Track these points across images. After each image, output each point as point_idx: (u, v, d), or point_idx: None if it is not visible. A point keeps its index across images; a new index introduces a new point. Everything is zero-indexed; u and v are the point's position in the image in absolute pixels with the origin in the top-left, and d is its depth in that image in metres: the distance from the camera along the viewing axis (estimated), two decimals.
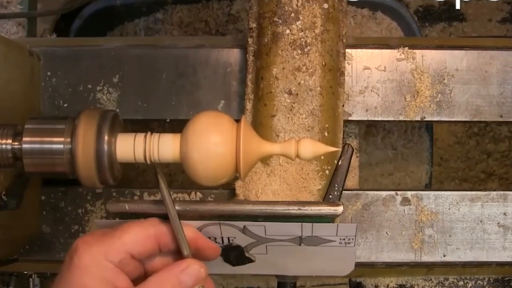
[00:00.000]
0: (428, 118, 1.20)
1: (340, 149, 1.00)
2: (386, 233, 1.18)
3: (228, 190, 1.19)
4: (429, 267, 1.20)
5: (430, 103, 1.19)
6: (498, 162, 1.91)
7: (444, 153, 1.91)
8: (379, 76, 1.20)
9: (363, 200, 1.19)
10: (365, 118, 1.20)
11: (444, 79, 1.19)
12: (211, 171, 0.81)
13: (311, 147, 0.82)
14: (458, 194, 1.19)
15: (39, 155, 0.85)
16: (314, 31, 1.06)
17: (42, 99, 1.21)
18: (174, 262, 0.82)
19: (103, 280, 0.77)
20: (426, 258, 1.18)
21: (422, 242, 1.18)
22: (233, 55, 1.22)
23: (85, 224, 1.21)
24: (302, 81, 1.06)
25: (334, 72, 1.09)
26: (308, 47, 1.06)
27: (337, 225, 0.88)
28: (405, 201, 1.19)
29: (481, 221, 1.18)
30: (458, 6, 2.04)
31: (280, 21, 1.06)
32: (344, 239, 0.89)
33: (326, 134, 1.07)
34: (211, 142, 0.80)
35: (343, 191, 1.01)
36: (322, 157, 1.06)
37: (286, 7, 1.06)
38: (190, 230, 0.83)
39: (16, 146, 0.87)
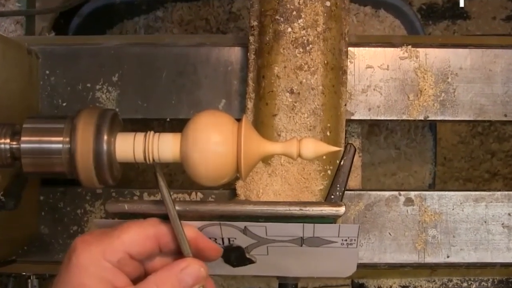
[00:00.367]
0: (432, 118, 1.20)
1: (342, 149, 1.00)
2: (389, 233, 1.18)
3: (229, 190, 1.19)
4: (432, 268, 1.20)
5: (433, 102, 1.19)
6: (502, 162, 1.91)
7: (447, 152, 1.91)
8: (382, 75, 1.20)
9: (366, 201, 1.19)
10: (368, 118, 1.20)
11: (448, 78, 1.19)
12: (211, 171, 0.81)
13: (313, 147, 0.82)
14: (462, 194, 1.19)
15: (38, 155, 0.85)
16: (316, 29, 1.06)
17: (41, 98, 1.21)
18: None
19: (101, 280, 0.77)
20: (429, 259, 1.18)
21: (425, 243, 1.18)
22: (234, 53, 1.22)
23: (84, 225, 1.21)
24: (304, 80, 1.06)
25: (337, 71, 1.09)
26: (310, 45, 1.06)
27: (339, 225, 0.88)
28: (408, 201, 1.19)
29: (485, 222, 1.18)
30: (462, 4, 2.04)
31: (281, 19, 1.06)
32: (346, 240, 0.89)
33: (328, 133, 1.07)
34: (212, 141, 0.80)
35: (345, 191, 1.01)
36: (324, 157, 1.06)
37: (288, 5, 1.06)
38: (190, 230, 0.83)
39: (14, 146, 0.87)
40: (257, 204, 0.87)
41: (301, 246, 0.90)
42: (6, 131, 0.87)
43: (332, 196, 0.99)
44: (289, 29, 1.06)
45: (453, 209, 1.18)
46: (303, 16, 1.06)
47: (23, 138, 0.85)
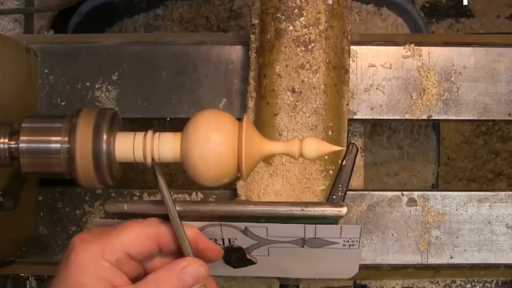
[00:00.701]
0: (435, 117, 1.20)
1: (344, 149, 1.00)
2: (392, 234, 1.18)
3: (229, 190, 1.19)
4: (436, 270, 1.20)
5: (437, 101, 1.19)
6: (506, 161, 1.91)
7: (451, 152, 1.91)
8: (385, 73, 1.20)
9: (368, 201, 1.19)
10: (370, 117, 1.20)
11: (451, 76, 1.19)
12: (212, 171, 0.81)
13: (315, 146, 0.82)
14: (466, 195, 1.19)
15: (36, 155, 0.85)
16: (318, 28, 1.06)
17: (39, 97, 1.22)
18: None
19: (100, 279, 0.77)
20: (432, 260, 1.18)
21: (428, 244, 1.18)
22: (235, 52, 1.22)
23: (83, 225, 1.21)
24: (306, 79, 1.06)
25: (339, 70, 1.09)
26: (312, 44, 1.06)
27: (341, 226, 0.88)
28: (411, 201, 1.19)
29: (489, 222, 1.18)
30: (465, 2, 2.04)
31: (283, 17, 1.06)
32: (348, 241, 0.89)
33: (330, 133, 1.07)
34: (212, 141, 0.80)
35: (348, 192, 1.01)
36: (326, 157, 1.06)
37: (290, 3, 1.06)
38: (191, 230, 0.83)
39: (12, 146, 0.86)
40: (258, 204, 0.87)
41: (303, 247, 0.90)
42: (4, 131, 0.87)
43: (334, 197, 0.99)
44: (291, 27, 1.06)
45: (456, 210, 1.18)
46: (305, 14, 1.06)
47: (21, 138, 0.85)
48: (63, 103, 1.22)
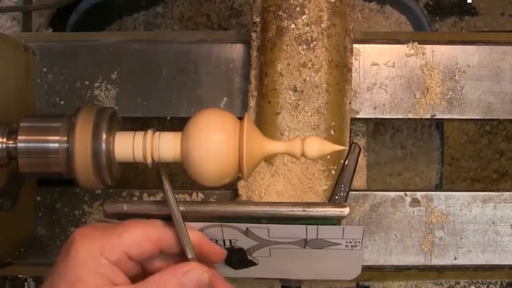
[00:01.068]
0: (439, 116, 1.20)
1: (347, 148, 1.00)
2: (395, 235, 1.18)
3: (230, 190, 1.19)
4: (439, 271, 1.20)
5: (440, 100, 1.19)
6: (511, 161, 1.91)
7: (455, 152, 1.91)
8: (388, 72, 1.20)
9: (371, 201, 1.19)
10: (373, 116, 1.20)
11: (455, 75, 1.19)
12: (213, 171, 0.81)
13: (317, 146, 0.82)
14: (470, 195, 1.19)
15: (35, 155, 0.85)
16: (320, 26, 1.06)
17: (38, 96, 1.22)
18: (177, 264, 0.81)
19: (100, 275, 0.76)
20: (436, 261, 1.18)
21: (432, 245, 1.18)
22: (236, 50, 1.22)
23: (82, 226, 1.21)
24: (308, 78, 1.06)
25: (341, 68, 1.09)
26: (314, 42, 1.06)
27: (344, 227, 0.88)
28: (415, 202, 1.19)
29: (493, 223, 1.18)
30: (469, 0, 2.04)
31: (285, 15, 1.06)
32: (350, 242, 0.89)
33: (332, 132, 1.07)
34: (213, 140, 0.80)
35: (350, 192, 1.01)
36: (328, 157, 1.06)
37: (291, 1, 1.06)
38: (194, 233, 0.83)
39: (10, 145, 0.86)
40: (259, 205, 0.87)
41: (305, 248, 0.90)
42: (2, 130, 0.87)
43: (336, 197, 0.99)
44: (293, 26, 1.06)
45: (460, 210, 1.18)
46: (306, 12, 1.06)
47: (19, 137, 0.85)
48: (61, 102, 1.22)
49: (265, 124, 1.07)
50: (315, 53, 1.06)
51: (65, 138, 0.83)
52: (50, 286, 0.78)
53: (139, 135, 0.83)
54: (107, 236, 0.78)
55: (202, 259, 0.83)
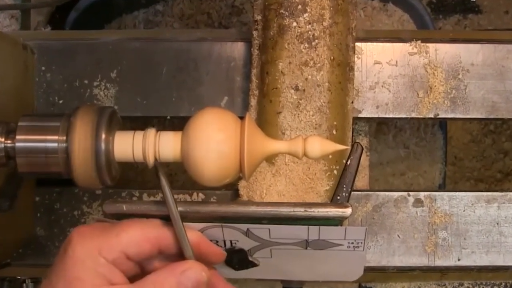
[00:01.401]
0: (442, 115, 1.20)
1: (349, 148, 1.00)
2: (398, 236, 1.18)
3: (231, 190, 1.19)
4: (443, 272, 1.20)
5: (444, 100, 1.19)
6: None
7: (458, 152, 1.91)
8: (391, 71, 1.20)
9: (374, 202, 1.19)
10: (376, 115, 1.20)
11: (459, 74, 1.19)
12: (213, 171, 0.81)
13: (319, 145, 0.82)
14: (474, 195, 1.19)
15: (33, 154, 0.85)
16: (322, 24, 1.06)
17: (36, 95, 1.22)
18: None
19: (98, 275, 0.76)
20: (439, 262, 1.18)
21: (435, 246, 1.18)
22: (237, 49, 1.22)
23: None
24: (310, 76, 1.06)
25: (343, 67, 1.09)
26: (316, 40, 1.06)
27: (345, 228, 0.88)
28: (418, 202, 1.19)
29: (497, 224, 1.18)
30: None
31: (286, 13, 1.06)
32: (352, 243, 0.89)
33: (334, 132, 1.07)
34: (214, 140, 0.80)
35: (352, 192, 1.01)
36: (330, 156, 1.06)
37: None
38: (193, 233, 0.83)
39: (9, 145, 0.86)
40: (260, 205, 0.87)
41: (306, 249, 0.90)
42: (0, 130, 0.87)
43: (338, 197, 0.99)
44: (294, 24, 1.06)
45: (464, 211, 1.18)
46: (308, 10, 1.06)
47: (18, 137, 0.85)
48: (60, 101, 1.22)
49: (266, 124, 1.07)
50: (317, 52, 1.06)
51: (64, 138, 0.83)
52: (48, 286, 0.78)
53: (139, 134, 0.83)
54: (105, 236, 0.78)
55: (202, 260, 0.83)
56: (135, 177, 1.62)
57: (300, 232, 0.87)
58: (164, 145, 0.82)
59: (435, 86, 1.19)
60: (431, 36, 1.23)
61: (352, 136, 1.13)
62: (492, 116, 1.20)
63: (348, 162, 0.99)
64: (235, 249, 0.91)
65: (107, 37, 1.24)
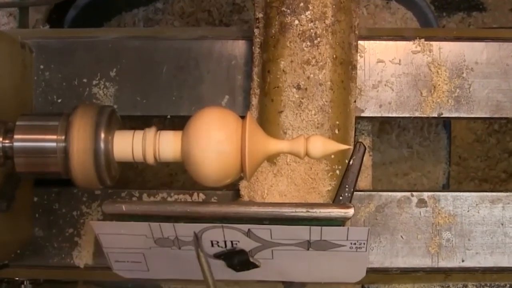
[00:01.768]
0: (446, 115, 1.20)
1: (351, 147, 1.00)
2: (401, 236, 1.18)
3: (232, 191, 1.19)
4: (447, 273, 1.20)
5: (447, 99, 1.19)
6: None
7: (462, 151, 1.91)
8: (394, 69, 1.20)
9: (376, 202, 1.19)
10: (379, 115, 1.20)
11: (463, 73, 1.19)
12: (214, 171, 0.81)
13: (321, 145, 0.82)
14: (478, 195, 1.19)
15: (31, 154, 0.85)
16: (324, 22, 1.06)
17: (35, 94, 1.22)
18: None
19: None
20: (443, 264, 1.18)
21: (439, 247, 1.18)
22: (238, 47, 1.22)
23: (80, 228, 1.21)
24: (312, 75, 1.06)
25: (346, 66, 1.09)
26: (318, 38, 1.06)
27: (348, 228, 0.88)
28: (421, 202, 1.19)
29: (502, 224, 1.18)
30: None
31: (288, 11, 1.06)
32: (355, 244, 0.89)
33: (336, 131, 1.07)
34: (215, 139, 0.80)
35: (355, 192, 1.01)
36: (333, 156, 1.06)
37: None
38: None
39: (6, 144, 0.87)
40: (261, 205, 0.87)
41: (308, 250, 0.90)
42: None
43: (341, 197, 0.99)
44: (296, 22, 1.06)
45: (468, 211, 1.18)
46: (310, 8, 1.06)
47: (16, 136, 0.85)
48: (59, 101, 1.22)
49: (268, 123, 1.07)
50: (319, 50, 1.06)
51: (63, 137, 0.83)
52: None
53: (139, 134, 0.83)
54: None
55: None
56: (135, 177, 1.62)
57: (302, 232, 0.87)
58: (164, 144, 0.83)
59: (439, 85, 1.19)
60: (434, 34, 1.23)
61: (355, 135, 1.13)
62: (496, 116, 1.20)
63: (351, 162, 0.99)
64: (236, 250, 0.91)
65: (106, 36, 1.24)
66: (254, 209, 0.86)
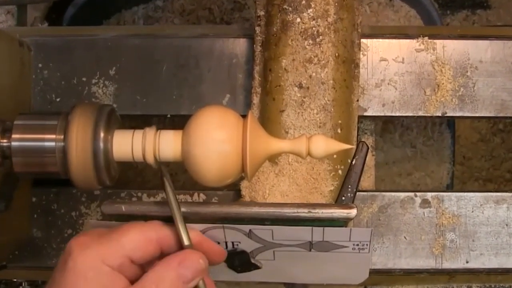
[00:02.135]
0: (450, 114, 1.20)
1: (354, 147, 1.00)
2: (405, 237, 1.18)
3: (233, 191, 1.19)
4: (451, 275, 1.20)
5: (451, 98, 1.19)
6: None
7: (466, 151, 1.91)
8: (397, 68, 1.20)
9: (380, 202, 1.19)
10: (382, 114, 1.20)
11: (467, 71, 1.19)
12: (215, 171, 0.81)
13: (324, 144, 0.82)
14: (482, 196, 1.19)
15: (29, 154, 0.85)
16: (326, 20, 1.06)
17: (33, 93, 1.22)
18: None
19: (101, 286, 0.76)
20: (447, 265, 1.18)
21: (443, 248, 1.18)
22: (239, 45, 1.22)
23: (79, 228, 1.21)
24: (314, 74, 1.06)
25: (348, 64, 1.09)
26: (320, 37, 1.06)
27: (350, 229, 0.88)
28: (425, 203, 1.18)
29: (506, 225, 1.18)
30: None
31: (290, 8, 1.06)
32: (357, 245, 0.89)
33: (339, 131, 1.07)
34: (215, 139, 0.80)
35: (358, 193, 1.01)
36: (335, 156, 1.06)
37: None
38: (194, 232, 0.83)
39: (4, 144, 0.87)
40: (263, 206, 0.87)
41: (310, 250, 0.90)
42: None
43: (343, 198, 0.99)
44: (298, 20, 1.06)
45: (472, 211, 1.18)
46: (312, 5, 1.06)
47: (14, 136, 0.85)
48: (58, 99, 1.22)
49: (269, 122, 1.07)
50: (321, 48, 1.06)
51: (62, 137, 0.83)
52: None
53: (138, 133, 0.83)
54: (106, 243, 0.78)
55: None
56: (135, 177, 1.62)
57: (304, 233, 0.87)
58: (164, 144, 0.83)
59: (443, 83, 1.18)
60: (438, 32, 1.22)
61: (358, 135, 1.13)
62: (501, 115, 1.20)
63: (353, 162, 0.99)
64: (237, 251, 0.91)
65: (105, 34, 1.24)
66: (255, 210, 0.86)
